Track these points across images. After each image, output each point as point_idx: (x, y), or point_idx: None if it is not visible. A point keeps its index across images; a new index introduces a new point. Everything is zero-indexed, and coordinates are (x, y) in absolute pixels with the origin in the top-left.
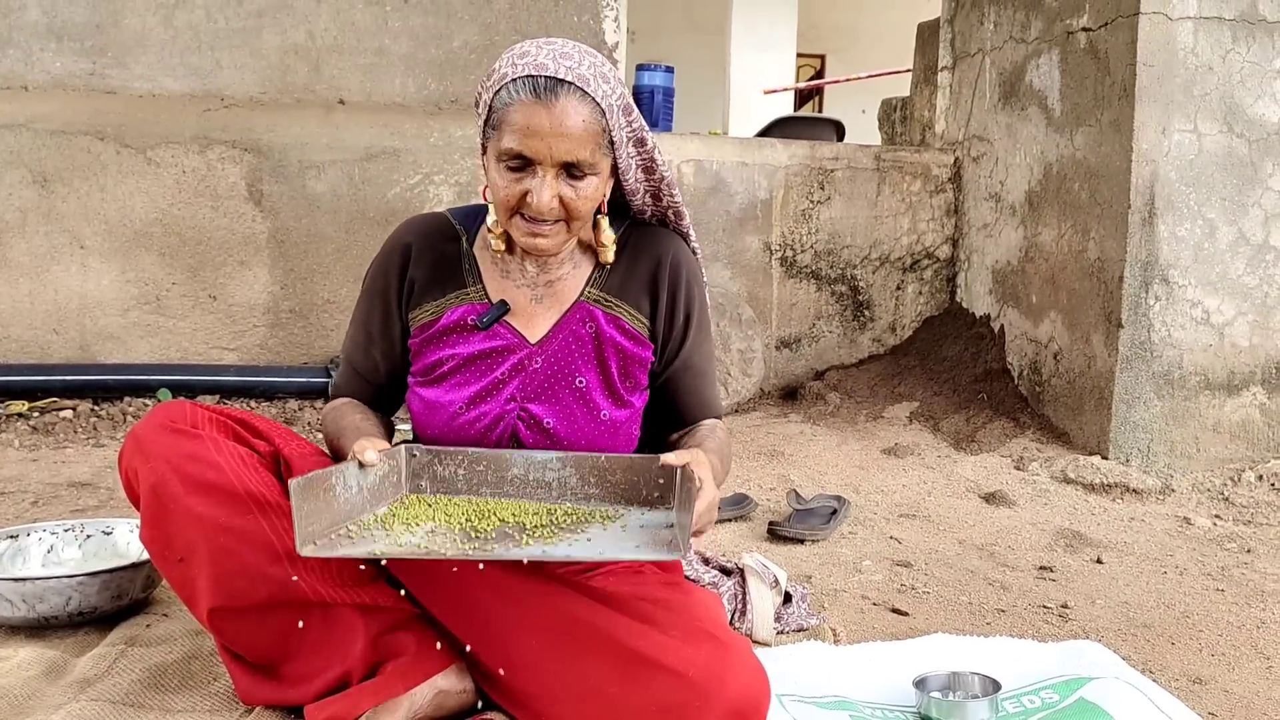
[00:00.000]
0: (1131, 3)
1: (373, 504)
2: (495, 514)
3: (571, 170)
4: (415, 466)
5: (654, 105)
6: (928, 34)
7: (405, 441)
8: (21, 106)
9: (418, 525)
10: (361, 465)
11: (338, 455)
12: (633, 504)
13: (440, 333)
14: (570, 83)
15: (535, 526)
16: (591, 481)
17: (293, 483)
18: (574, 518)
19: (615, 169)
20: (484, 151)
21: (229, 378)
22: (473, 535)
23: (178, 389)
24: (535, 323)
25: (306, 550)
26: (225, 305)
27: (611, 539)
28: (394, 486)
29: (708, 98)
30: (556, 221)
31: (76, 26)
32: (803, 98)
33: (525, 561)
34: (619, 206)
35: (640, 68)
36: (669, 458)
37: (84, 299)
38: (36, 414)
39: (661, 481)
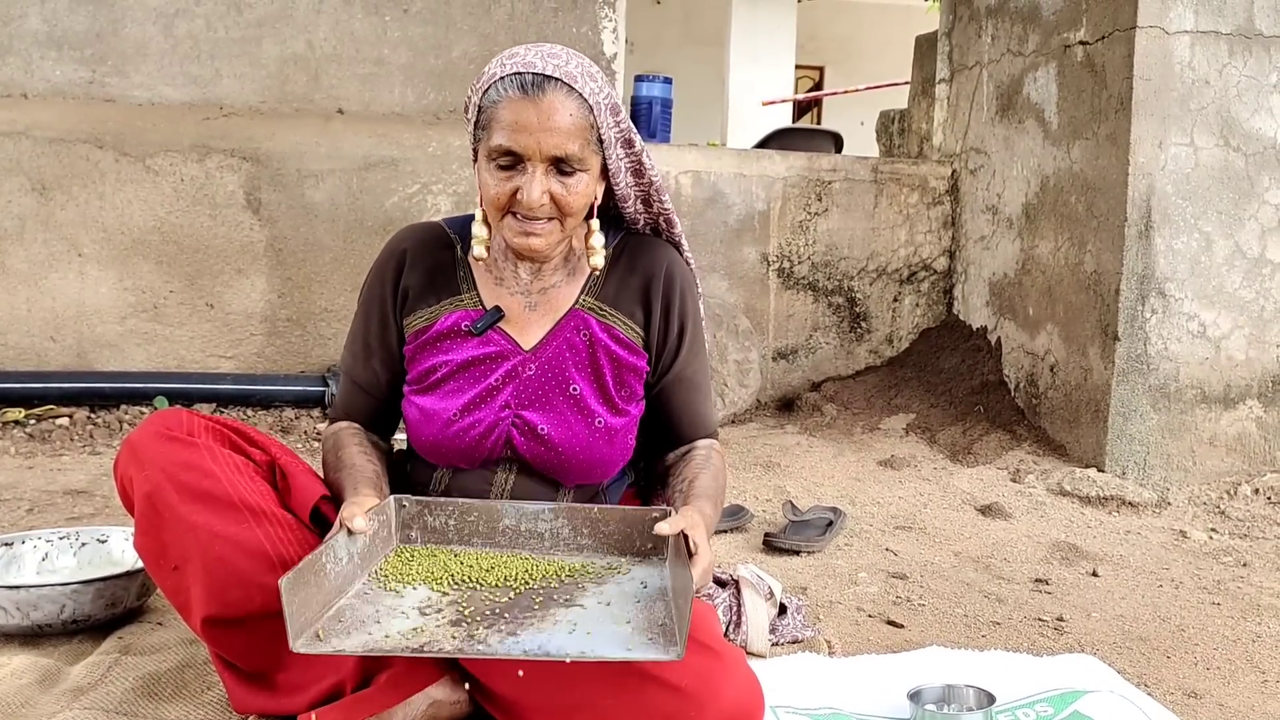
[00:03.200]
0: (1129, 17)
1: (364, 568)
2: (483, 571)
3: (561, 166)
4: (405, 517)
5: (652, 116)
6: (925, 47)
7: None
8: (21, 114)
9: (407, 588)
10: (351, 532)
11: (334, 490)
12: (626, 555)
13: (434, 339)
14: (557, 78)
15: (527, 582)
16: (584, 533)
17: (283, 581)
18: (564, 578)
19: (605, 171)
20: (475, 157)
21: (226, 386)
22: (463, 608)
23: (174, 397)
24: (529, 330)
25: (300, 645)
26: (222, 313)
27: (605, 616)
28: (384, 541)
29: (706, 109)
30: (549, 220)
31: (77, 35)
32: (801, 109)
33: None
34: (614, 219)
35: (639, 78)
36: (662, 527)
37: (81, 306)
38: (33, 421)
39: (655, 532)
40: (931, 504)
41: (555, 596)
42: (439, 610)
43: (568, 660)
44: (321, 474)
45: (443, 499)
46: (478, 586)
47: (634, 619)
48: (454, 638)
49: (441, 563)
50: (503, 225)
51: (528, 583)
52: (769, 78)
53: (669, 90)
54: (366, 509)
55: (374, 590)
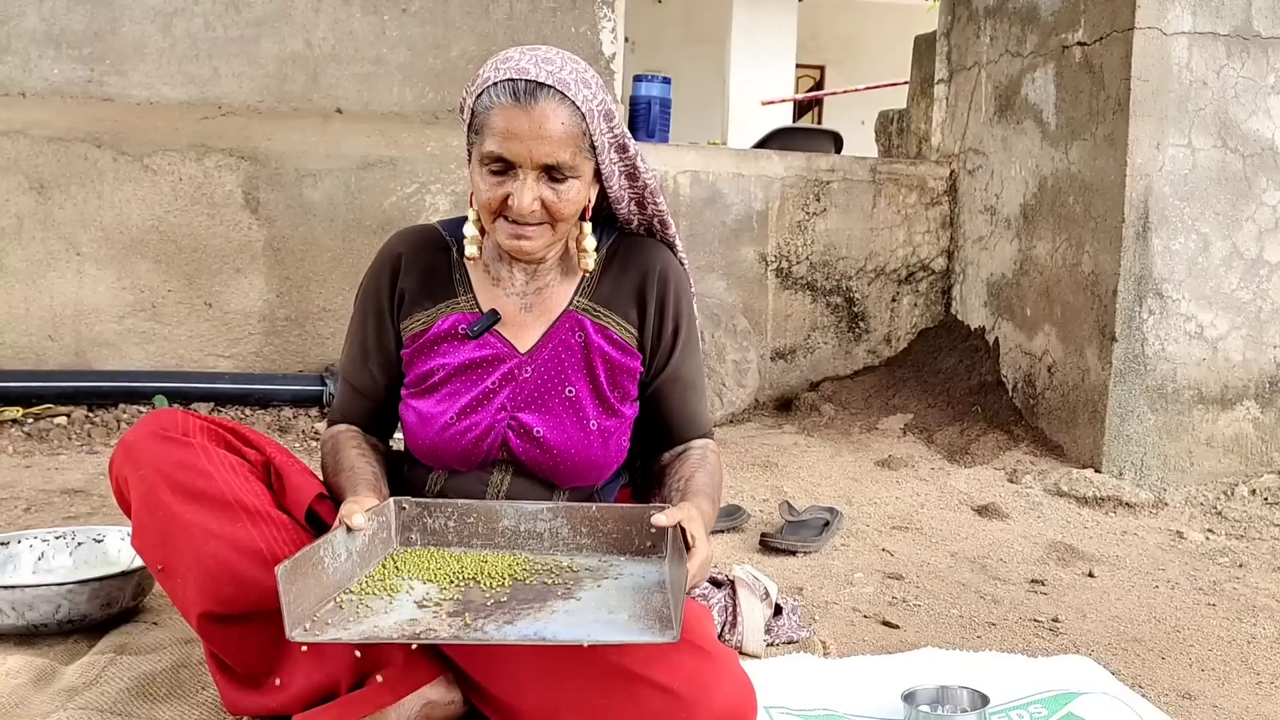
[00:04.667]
0: (1126, 18)
1: (363, 566)
2: (483, 571)
3: (552, 173)
4: (405, 519)
5: (651, 116)
6: (924, 47)
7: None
8: (19, 113)
9: (406, 585)
10: (349, 529)
11: (334, 493)
12: (625, 554)
13: (431, 342)
14: (550, 86)
15: (526, 579)
16: (583, 532)
17: (280, 568)
18: (563, 575)
19: (599, 175)
20: (470, 158)
21: (224, 385)
22: (461, 602)
23: (173, 396)
24: (525, 332)
25: (296, 634)
26: (221, 313)
27: (602, 606)
28: (384, 543)
29: (707, 109)
30: (540, 224)
31: (75, 34)
32: (802, 109)
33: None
34: (608, 218)
35: (637, 78)
36: (659, 518)
37: (80, 306)
38: (31, 420)
39: (654, 530)
40: (928, 504)
41: (553, 590)
42: (437, 604)
43: (562, 645)
44: (319, 475)
45: (442, 500)
46: (476, 584)
47: (631, 609)
48: (450, 627)
49: (441, 564)
50: (495, 228)
51: (526, 580)
52: (769, 77)
53: (668, 90)
54: (366, 508)
55: (372, 589)
